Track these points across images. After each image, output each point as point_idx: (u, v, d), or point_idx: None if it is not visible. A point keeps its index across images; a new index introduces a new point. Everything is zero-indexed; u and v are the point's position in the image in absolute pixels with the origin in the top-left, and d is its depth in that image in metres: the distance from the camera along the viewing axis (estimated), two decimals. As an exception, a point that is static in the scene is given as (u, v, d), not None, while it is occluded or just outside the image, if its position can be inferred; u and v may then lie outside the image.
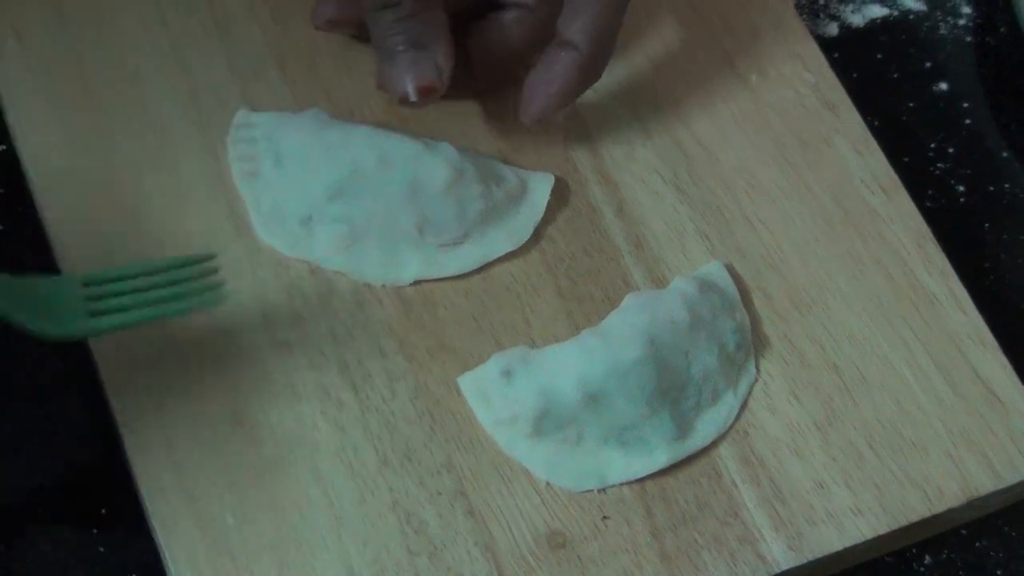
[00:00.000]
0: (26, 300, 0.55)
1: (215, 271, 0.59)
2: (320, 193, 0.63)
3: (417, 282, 0.63)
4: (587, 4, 0.62)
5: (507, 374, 0.60)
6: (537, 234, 0.65)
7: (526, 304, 0.63)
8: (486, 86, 0.66)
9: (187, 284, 0.59)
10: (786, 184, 0.66)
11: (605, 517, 0.59)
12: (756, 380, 0.62)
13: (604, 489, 0.59)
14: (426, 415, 0.60)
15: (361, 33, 0.66)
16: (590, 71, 0.63)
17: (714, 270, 0.64)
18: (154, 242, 0.63)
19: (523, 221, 0.64)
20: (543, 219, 0.65)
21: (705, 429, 0.61)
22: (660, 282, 0.64)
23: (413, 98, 0.62)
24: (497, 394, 0.60)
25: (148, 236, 0.63)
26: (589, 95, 0.67)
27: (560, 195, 0.66)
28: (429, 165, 0.63)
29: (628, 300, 0.62)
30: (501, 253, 0.63)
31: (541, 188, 0.65)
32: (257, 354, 0.61)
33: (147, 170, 0.64)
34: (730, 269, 0.64)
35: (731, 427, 0.61)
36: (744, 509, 0.59)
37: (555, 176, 0.64)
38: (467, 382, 0.61)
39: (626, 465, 0.60)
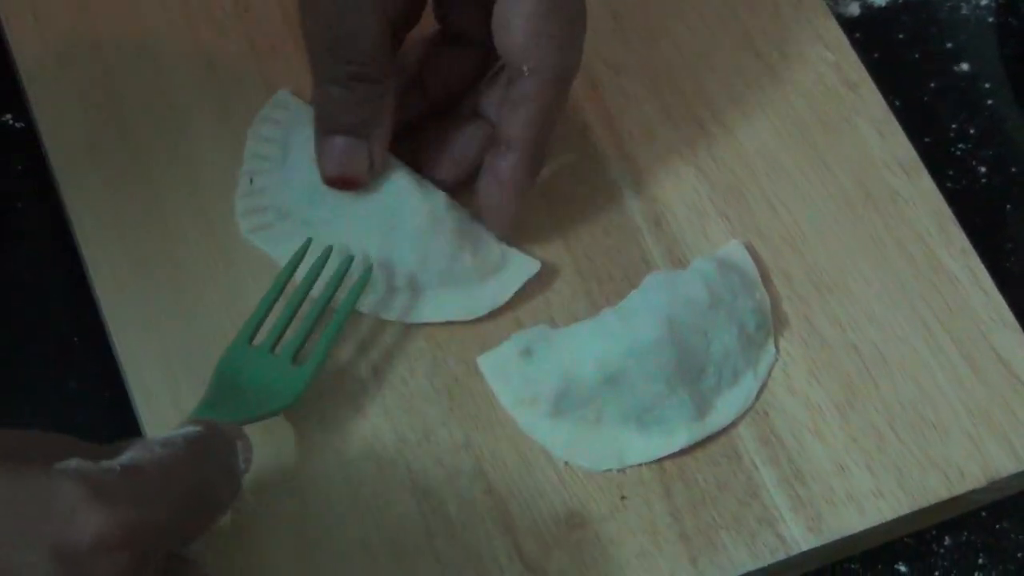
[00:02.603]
0: (240, 397, 0.56)
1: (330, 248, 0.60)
2: (302, 193, 0.62)
3: (358, 312, 0.62)
4: (523, 99, 0.60)
5: (527, 353, 0.60)
6: (556, 212, 0.64)
7: (546, 283, 0.63)
8: (441, 186, 0.63)
9: (332, 278, 0.60)
10: (807, 165, 0.66)
11: (624, 497, 0.59)
12: (776, 360, 0.62)
13: (623, 469, 0.59)
14: (445, 394, 0.61)
15: None
16: (537, 162, 0.62)
17: (734, 250, 0.64)
18: (173, 223, 0.63)
19: (483, 297, 0.62)
20: (563, 196, 0.65)
21: (725, 409, 0.61)
22: (680, 262, 0.64)
23: (334, 183, 0.61)
24: (517, 374, 0.60)
25: (167, 218, 0.63)
26: (609, 75, 0.67)
27: (579, 174, 0.66)
28: (411, 205, 0.62)
29: (648, 280, 0.62)
30: (447, 319, 0.62)
31: (518, 273, 0.62)
32: None
33: (167, 151, 0.65)
34: (750, 249, 0.64)
35: (751, 407, 0.61)
36: (763, 490, 0.59)
37: (540, 263, 0.62)
38: (487, 361, 0.61)
39: (645, 445, 0.60)
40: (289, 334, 0.59)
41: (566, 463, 0.59)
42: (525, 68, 0.59)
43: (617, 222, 0.65)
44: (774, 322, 0.62)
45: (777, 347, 0.62)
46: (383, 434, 0.59)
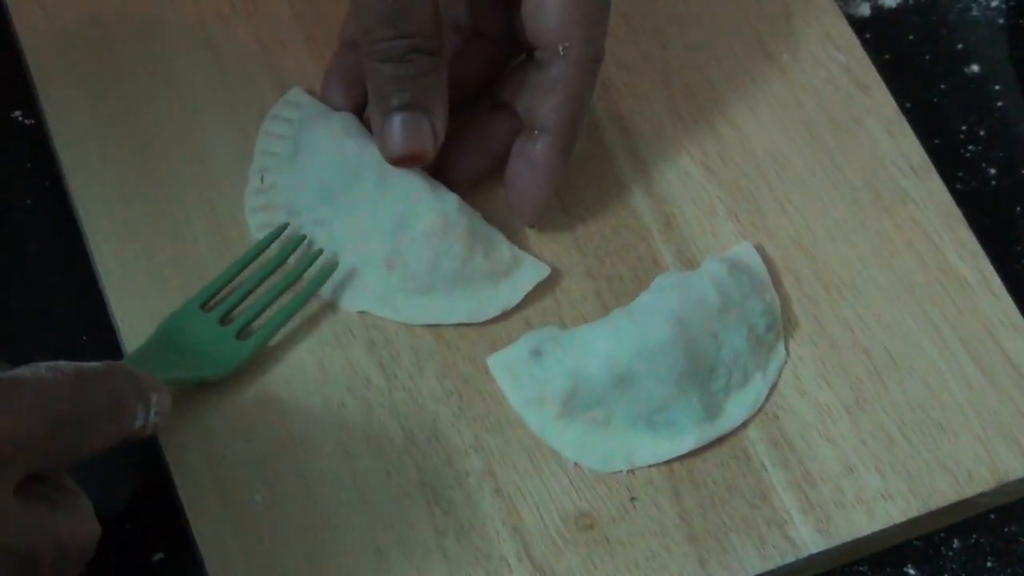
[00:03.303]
0: (176, 356, 0.57)
1: (303, 238, 0.61)
2: (313, 192, 0.62)
3: (362, 312, 0.62)
4: (556, 83, 0.61)
5: (536, 354, 0.60)
6: (566, 211, 0.64)
7: (555, 283, 0.63)
8: (459, 183, 0.63)
9: (295, 263, 0.60)
10: (817, 166, 0.66)
11: (633, 499, 0.59)
12: (786, 362, 0.62)
13: (632, 470, 0.59)
14: (454, 394, 0.60)
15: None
16: (568, 149, 0.62)
17: (744, 251, 0.64)
18: (182, 221, 0.63)
19: (493, 300, 0.62)
20: (572, 196, 0.64)
21: (734, 411, 0.60)
22: (690, 263, 0.64)
23: (400, 162, 0.61)
24: (526, 374, 0.60)
25: (176, 216, 0.64)
26: (619, 75, 0.67)
27: (588, 173, 0.65)
28: (422, 206, 0.61)
29: (658, 281, 0.62)
30: (456, 321, 0.62)
31: (529, 276, 0.62)
32: (284, 331, 0.61)
33: (177, 149, 0.65)
34: (760, 251, 0.64)
35: (760, 409, 0.61)
36: (773, 492, 0.59)
37: (550, 267, 0.62)
38: (496, 362, 0.61)
39: (655, 447, 0.60)
40: (243, 309, 0.60)
41: (575, 464, 0.59)
42: (561, 48, 0.60)
43: (627, 222, 0.64)
44: (784, 323, 0.62)
45: (787, 349, 0.62)
46: (392, 433, 0.59)
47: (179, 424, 0.59)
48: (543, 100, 0.61)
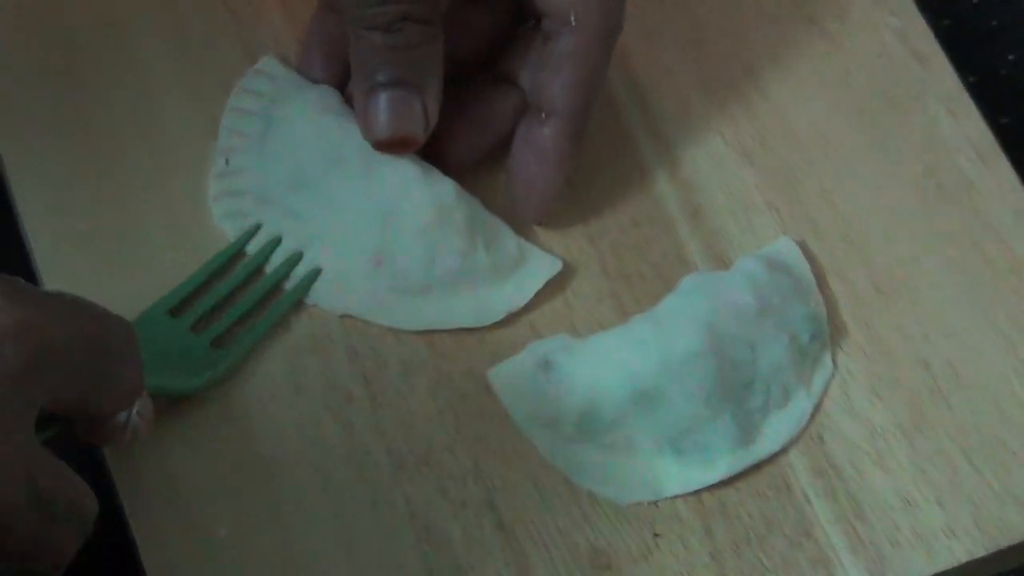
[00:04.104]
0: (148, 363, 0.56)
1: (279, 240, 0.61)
2: (285, 177, 0.62)
3: (345, 316, 0.61)
4: (566, 57, 0.60)
5: (545, 367, 0.59)
6: (578, 201, 0.64)
7: (567, 283, 0.62)
8: (456, 167, 0.63)
9: (273, 270, 0.61)
10: (868, 149, 0.66)
11: (657, 535, 0.58)
12: (833, 377, 0.61)
13: (656, 502, 0.59)
14: (449, 412, 0.60)
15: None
16: (580, 135, 0.62)
17: (785, 248, 0.63)
18: (135, 210, 0.63)
19: (498, 301, 0.61)
20: (585, 183, 0.64)
21: (773, 434, 0.60)
22: (721, 260, 0.63)
23: (385, 146, 0.60)
24: (533, 390, 0.59)
25: (128, 204, 0.63)
26: (639, 43, 0.66)
27: (604, 157, 0.65)
28: (414, 196, 0.61)
29: (685, 282, 0.61)
30: (454, 326, 0.61)
31: (539, 272, 0.62)
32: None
33: (128, 125, 0.64)
34: (803, 247, 0.63)
35: (803, 431, 0.60)
36: (817, 527, 0.58)
37: (562, 262, 0.62)
38: (499, 375, 0.60)
39: (682, 475, 0.59)
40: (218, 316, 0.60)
41: (590, 494, 0.59)
42: (573, 17, 0.60)
43: (648, 213, 0.64)
44: (831, 332, 0.62)
45: (834, 361, 0.61)
46: (377, 458, 0.59)
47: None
48: (551, 78, 0.61)
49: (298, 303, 0.61)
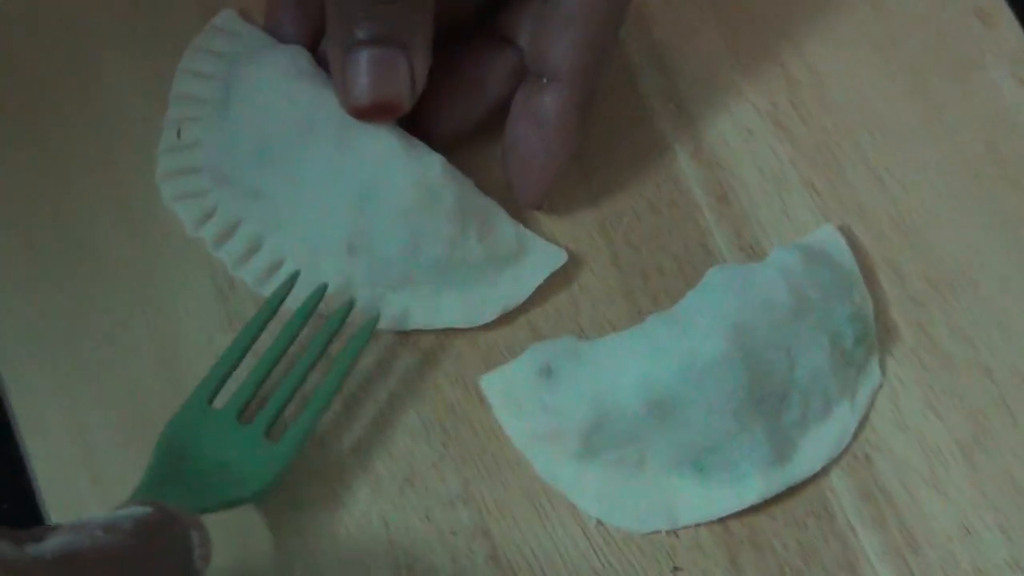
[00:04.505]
0: (194, 475, 0.54)
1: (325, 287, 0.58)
2: (248, 152, 0.59)
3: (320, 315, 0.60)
4: (570, 15, 0.59)
5: (547, 373, 0.57)
6: (587, 181, 0.62)
7: (573, 277, 0.61)
8: (445, 139, 0.61)
9: (324, 327, 0.57)
10: (923, 122, 0.64)
11: (676, 568, 0.56)
12: (881, 386, 0.59)
13: (675, 531, 0.57)
14: (436, 427, 0.58)
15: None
16: (587, 104, 0.60)
17: (826, 236, 0.61)
18: (75, 191, 0.61)
19: (493, 297, 0.60)
20: (595, 161, 0.62)
21: (812, 452, 0.58)
22: (752, 251, 0.62)
23: (365, 113, 0.58)
24: (533, 400, 0.57)
25: (66, 185, 0.60)
26: (659, 1, 0.65)
27: (618, 131, 0.63)
28: (396, 173, 0.59)
29: (710, 275, 0.59)
30: (443, 326, 0.59)
31: (540, 265, 0.60)
32: (205, 343, 0.59)
33: (63, 92, 0.62)
34: (847, 234, 0.61)
35: (847, 450, 0.58)
36: (863, 561, 0.56)
37: (567, 254, 0.60)
38: (492, 383, 0.58)
39: (705, 499, 0.57)
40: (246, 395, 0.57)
41: (598, 521, 0.57)
42: None
43: (668, 195, 0.62)
44: (879, 334, 0.60)
45: (883, 368, 0.60)
46: (353, 480, 0.57)
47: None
48: (554, 38, 0.59)
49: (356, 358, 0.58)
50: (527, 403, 0.57)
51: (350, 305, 0.58)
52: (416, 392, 0.58)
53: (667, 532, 0.57)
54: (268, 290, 0.59)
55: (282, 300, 0.58)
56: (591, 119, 0.61)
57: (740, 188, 0.63)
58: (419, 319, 0.59)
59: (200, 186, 0.60)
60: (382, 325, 0.59)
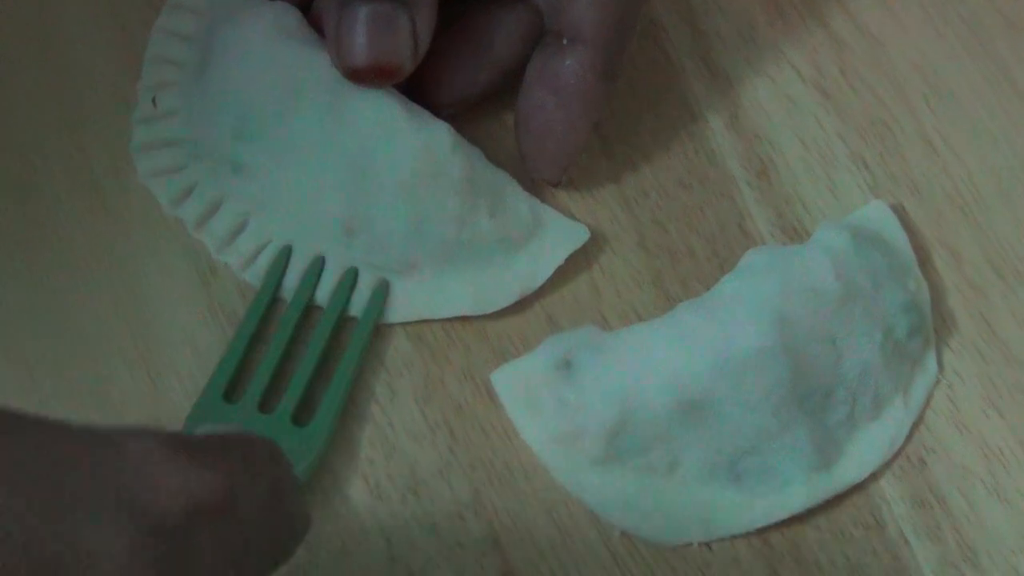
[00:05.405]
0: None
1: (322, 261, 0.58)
2: (229, 119, 0.59)
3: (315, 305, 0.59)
4: None
5: (565, 367, 0.56)
6: (609, 153, 0.61)
7: (594, 260, 0.60)
8: (453, 106, 0.61)
9: (330, 303, 0.57)
10: (986, 88, 0.63)
11: None
12: (937, 382, 0.59)
13: (709, 544, 0.56)
14: (442, 428, 0.57)
15: None
16: (612, 70, 0.59)
17: (877, 214, 0.60)
18: (38, 167, 0.60)
19: (506, 281, 0.59)
20: (619, 130, 0.61)
21: (860, 455, 0.57)
22: (794, 231, 0.61)
23: (363, 75, 0.58)
24: (551, 398, 0.56)
25: (27, 158, 0.60)
26: None
27: (644, 98, 0.62)
28: (397, 143, 0.58)
29: (747, 258, 0.58)
30: (450, 315, 0.59)
31: (559, 243, 0.60)
32: (185, 328, 0.58)
33: (24, 53, 0.61)
34: (899, 213, 0.60)
35: (900, 452, 0.57)
36: (918, 574, 0.56)
37: (589, 231, 0.59)
38: (505, 379, 0.57)
39: (742, 508, 0.56)
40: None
41: (623, 533, 0.56)
42: None
43: (700, 170, 0.61)
44: (935, 325, 0.60)
45: (939, 362, 0.59)
46: (350, 489, 0.56)
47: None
48: None
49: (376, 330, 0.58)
50: (543, 401, 0.56)
51: (354, 274, 0.57)
52: (421, 389, 0.57)
53: (700, 545, 0.56)
54: (254, 275, 0.58)
55: (280, 279, 0.57)
56: (616, 87, 0.60)
57: (781, 162, 0.62)
58: (423, 307, 0.58)
59: (177, 160, 0.60)
60: (385, 317, 0.58)
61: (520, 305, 0.59)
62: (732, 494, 0.56)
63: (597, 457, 0.56)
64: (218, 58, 0.59)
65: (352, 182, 0.58)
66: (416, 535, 0.55)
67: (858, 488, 0.57)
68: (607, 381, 0.56)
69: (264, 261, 0.58)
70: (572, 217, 0.60)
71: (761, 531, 0.56)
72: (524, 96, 0.59)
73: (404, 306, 0.58)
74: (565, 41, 0.58)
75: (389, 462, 0.56)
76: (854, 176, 0.61)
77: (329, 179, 0.58)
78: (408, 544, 0.55)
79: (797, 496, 0.56)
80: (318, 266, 0.58)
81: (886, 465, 0.57)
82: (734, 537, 0.56)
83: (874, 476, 0.57)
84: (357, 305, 0.59)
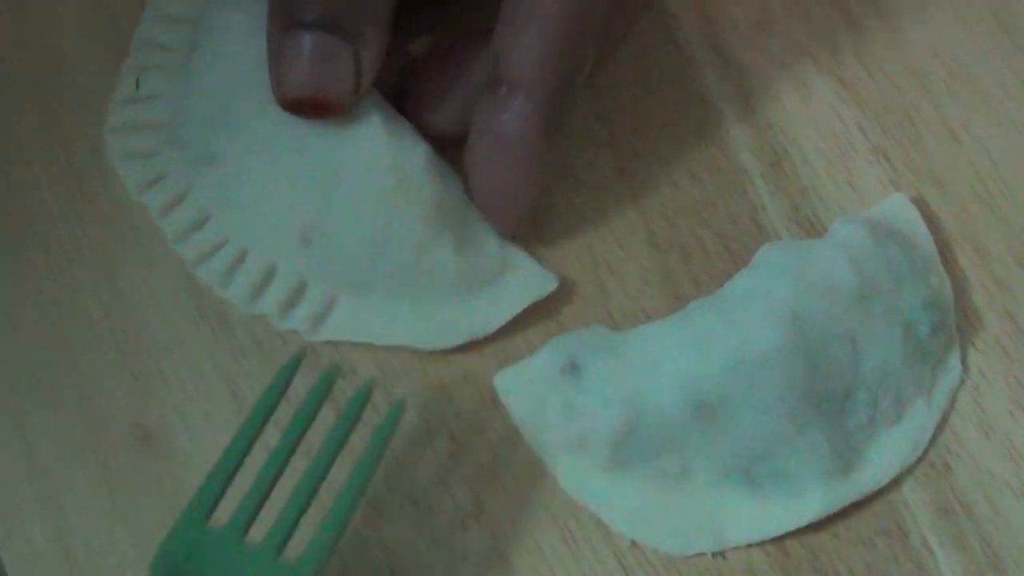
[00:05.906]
0: None
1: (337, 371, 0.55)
2: (212, 111, 0.58)
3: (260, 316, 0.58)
4: (529, 17, 0.57)
5: (572, 370, 0.56)
6: (614, 144, 0.61)
7: (600, 257, 0.59)
8: (436, 136, 0.60)
9: (338, 421, 0.54)
10: (1010, 75, 0.63)
11: None
12: (962, 383, 0.58)
13: (723, 553, 0.56)
14: (442, 433, 0.57)
15: None
16: (555, 116, 0.57)
17: (897, 208, 0.60)
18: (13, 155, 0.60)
19: (458, 321, 0.58)
20: (624, 120, 0.61)
21: (881, 460, 0.57)
22: (811, 225, 0.60)
23: (296, 106, 0.57)
24: (556, 401, 0.56)
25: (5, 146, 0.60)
26: None
27: (650, 86, 0.62)
28: (366, 155, 0.57)
29: (762, 254, 0.58)
30: (391, 343, 0.57)
31: (523, 292, 0.58)
32: (175, 335, 0.57)
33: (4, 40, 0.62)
34: (921, 207, 0.60)
35: (923, 457, 0.57)
36: None
37: (558, 279, 0.58)
38: (508, 382, 0.57)
39: (757, 515, 0.56)
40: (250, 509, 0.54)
41: (633, 543, 0.56)
42: None
43: (712, 161, 0.61)
44: (959, 323, 0.59)
45: (964, 361, 0.59)
46: None
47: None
48: (514, 36, 0.57)
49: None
50: (549, 405, 0.56)
51: (368, 390, 0.55)
52: (418, 394, 0.57)
53: (714, 555, 0.56)
54: (206, 273, 0.58)
55: (282, 393, 0.55)
56: (619, 73, 0.60)
57: (796, 153, 0.61)
58: (365, 331, 0.58)
59: (152, 146, 0.59)
60: (325, 335, 0.57)
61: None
62: (747, 501, 0.56)
63: (605, 463, 0.56)
64: (210, 45, 0.59)
65: (316, 188, 0.57)
66: (416, 547, 0.55)
67: (879, 494, 0.56)
68: (615, 384, 0.56)
69: (219, 264, 0.58)
70: (578, 213, 0.60)
71: (777, 540, 0.56)
72: (469, 148, 0.59)
73: (346, 325, 0.57)
74: (505, 88, 0.57)
75: (385, 470, 0.55)
76: (873, 168, 0.61)
77: (294, 182, 0.58)
78: (408, 556, 0.55)
79: (815, 503, 0.56)
80: (330, 380, 0.55)
81: (908, 470, 0.57)
82: (749, 545, 0.56)
83: (896, 482, 0.56)
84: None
